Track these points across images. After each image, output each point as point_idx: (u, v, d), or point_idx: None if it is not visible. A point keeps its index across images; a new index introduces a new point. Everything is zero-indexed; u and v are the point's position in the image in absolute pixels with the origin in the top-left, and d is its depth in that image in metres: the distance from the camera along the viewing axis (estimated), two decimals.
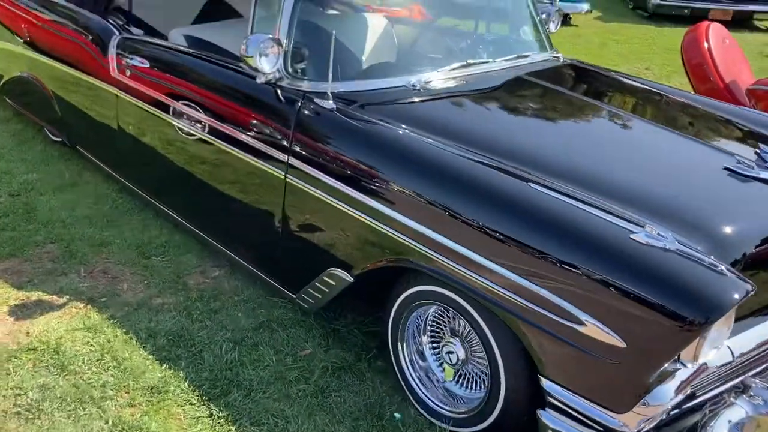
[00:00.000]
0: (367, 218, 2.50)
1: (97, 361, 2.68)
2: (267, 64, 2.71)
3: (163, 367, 2.67)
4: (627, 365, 1.93)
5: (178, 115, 3.22)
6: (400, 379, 2.63)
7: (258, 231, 3.02)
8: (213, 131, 3.06)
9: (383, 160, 2.51)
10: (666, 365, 1.93)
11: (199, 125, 3.12)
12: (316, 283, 2.78)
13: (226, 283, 3.26)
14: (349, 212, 2.56)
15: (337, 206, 2.59)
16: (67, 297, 3.07)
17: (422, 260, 2.33)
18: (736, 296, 1.84)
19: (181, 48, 3.39)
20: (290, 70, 2.83)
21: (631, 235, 1.98)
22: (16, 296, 3.04)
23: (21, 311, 2.95)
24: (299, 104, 2.76)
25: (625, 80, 3.55)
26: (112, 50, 3.62)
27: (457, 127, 2.63)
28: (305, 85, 2.81)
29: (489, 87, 3.02)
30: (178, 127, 3.24)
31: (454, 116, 2.79)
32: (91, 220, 3.70)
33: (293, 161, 2.74)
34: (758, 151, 2.60)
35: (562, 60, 3.51)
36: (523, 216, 2.14)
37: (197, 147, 3.20)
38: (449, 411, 2.48)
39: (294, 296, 2.93)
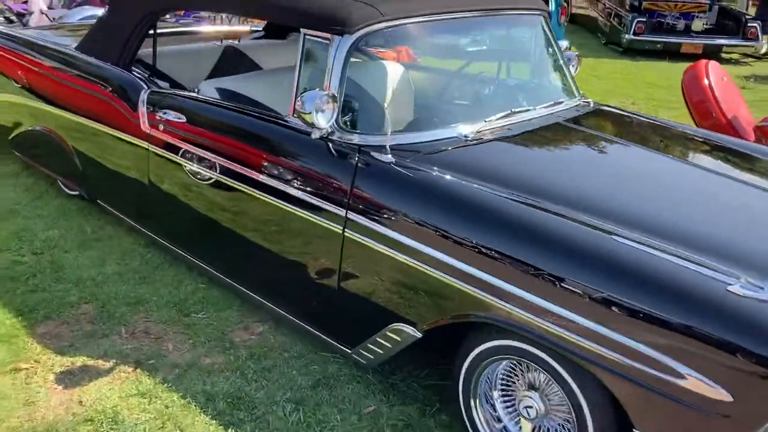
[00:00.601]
0: (438, 273, 2.48)
1: (159, 429, 2.59)
2: (323, 120, 2.70)
3: None
4: (735, 419, 1.93)
5: (220, 169, 3.18)
6: None
7: (310, 285, 2.97)
8: (260, 186, 3.03)
9: (452, 213, 2.50)
10: None
11: (244, 180, 3.08)
12: (378, 339, 2.74)
13: (273, 339, 3.20)
14: (417, 266, 2.54)
15: (404, 260, 2.57)
16: (113, 361, 2.97)
17: (505, 315, 2.31)
18: None
19: (222, 102, 3.36)
20: (341, 123, 2.83)
21: (728, 287, 2.00)
22: (61, 362, 2.94)
23: (69, 378, 2.85)
24: (356, 158, 2.74)
25: (657, 123, 3.62)
26: (142, 105, 3.57)
27: (518, 177, 2.64)
28: (360, 139, 2.81)
29: (536, 135, 3.05)
30: (220, 182, 3.20)
31: (512, 166, 2.80)
32: (122, 276, 3.61)
33: (352, 215, 2.71)
34: None
35: (592, 105, 3.56)
36: (612, 270, 2.14)
37: (241, 201, 3.16)
38: None
39: (350, 351, 2.89)
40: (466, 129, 2.91)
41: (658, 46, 11.46)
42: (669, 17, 11.87)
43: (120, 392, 2.77)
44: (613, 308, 2.09)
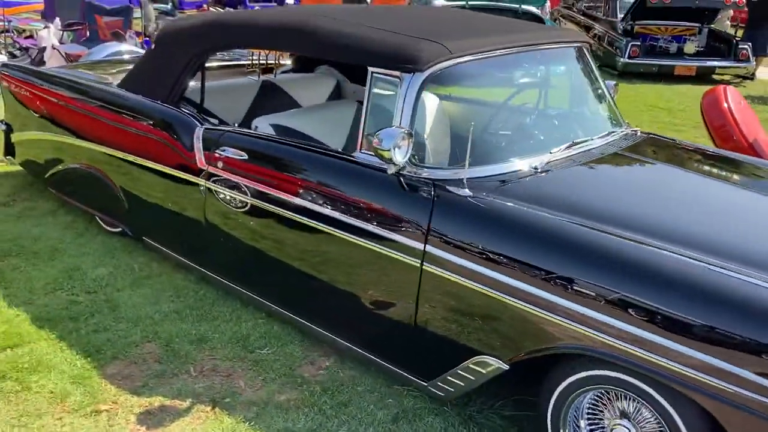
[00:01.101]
0: (526, 304, 2.52)
1: None
2: (400, 156, 2.76)
3: None
4: None
5: (286, 206, 3.21)
6: None
7: (384, 318, 3.00)
8: (329, 221, 3.06)
9: (536, 244, 2.55)
10: None
11: (311, 215, 3.12)
12: (459, 371, 2.77)
13: (341, 373, 3.21)
14: (502, 299, 2.58)
15: (488, 293, 2.61)
16: (189, 400, 2.97)
17: (601, 346, 2.36)
18: None
19: (284, 139, 3.40)
20: (411, 159, 2.87)
21: None
22: (139, 403, 2.93)
23: (150, 419, 2.84)
24: (431, 192, 2.80)
25: (702, 149, 3.73)
26: (198, 142, 3.60)
27: (593, 206, 2.71)
28: (434, 173, 2.87)
29: (601, 165, 3.13)
30: (285, 218, 3.23)
31: (585, 195, 2.87)
32: (179, 314, 3.62)
33: (431, 249, 2.76)
34: None
35: (639, 133, 3.66)
36: (714, 299, 2.20)
37: (308, 237, 3.19)
38: None
39: (426, 384, 2.91)
40: (534, 161, 2.99)
41: (654, 69, 11.68)
42: (661, 41, 12.13)
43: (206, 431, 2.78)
44: (716, 336, 2.15)
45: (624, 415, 2.49)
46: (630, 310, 2.31)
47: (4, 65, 5.06)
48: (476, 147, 3.02)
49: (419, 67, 2.88)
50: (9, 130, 5.02)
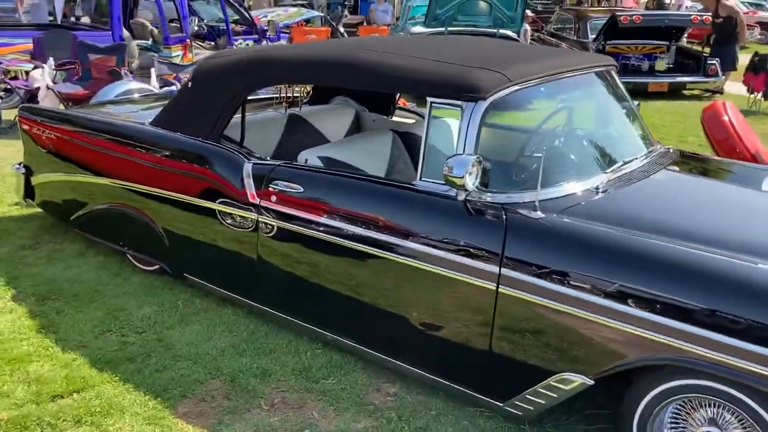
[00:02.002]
0: (608, 320, 2.61)
1: None
2: (470, 182, 2.85)
3: None
4: None
5: (348, 236, 3.26)
6: None
7: (456, 343, 3.05)
8: (392, 248, 3.12)
9: (611, 261, 2.66)
10: None
11: (376, 245, 3.17)
12: (540, 390, 2.84)
13: (410, 398, 3.25)
14: (583, 316, 2.67)
15: (569, 311, 2.69)
16: None
17: (688, 355, 2.46)
18: None
19: (340, 171, 3.46)
20: (479, 184, 2.96)
21: None
22: None
23: None
24: (503, 216, 2.89)
25: (729, 161, 3.90)
26: (248, 177, 3.64)
27: (660, 221, 2.84)
28: (503, 198, 2.96)
29: (653, 182, 3.27)
30: (346, 248, 3.27)
31: (649, 211, 2.98)
32: (236, 349, 3.62)
33: (507, 272, 2.84)
34: None
35: (674, 150, 3.81)
36: None
37: (372, 266, 3.24)
38: None
39: (501, 405, 2.98)
40: (594, 182, 3.11)
41: (629, 86, 11.96)
42: (633, 59, 12.53)
43: None
44: None
45: (713, 422, 2.59)
46: (713, 320, 2.42)
47: (23, 108, 5.02)
48: (537, 171, 3.13)
49: (482, 96, 2.99)
50: (29, 173, 4.97)
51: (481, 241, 2.91)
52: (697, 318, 2.45)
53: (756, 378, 2.36)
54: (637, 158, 3.45)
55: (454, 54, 3.43)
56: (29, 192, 5.04)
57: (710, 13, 12.03)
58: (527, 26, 14.01)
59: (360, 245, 3.23)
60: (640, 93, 12.04)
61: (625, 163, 3.35)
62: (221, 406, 3.18)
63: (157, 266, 4.34)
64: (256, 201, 3.59)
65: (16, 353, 3.51)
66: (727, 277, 2.47)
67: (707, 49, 12.56)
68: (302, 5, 18.57)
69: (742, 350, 2.37)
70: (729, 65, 12.12)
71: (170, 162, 3.99)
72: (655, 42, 12.71)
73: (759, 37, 23.09)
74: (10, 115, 7.81)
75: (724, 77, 12.12)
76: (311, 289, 3.51)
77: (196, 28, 11.81)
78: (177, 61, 9.26)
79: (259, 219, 3.59)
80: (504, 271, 2.85)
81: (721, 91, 12.31)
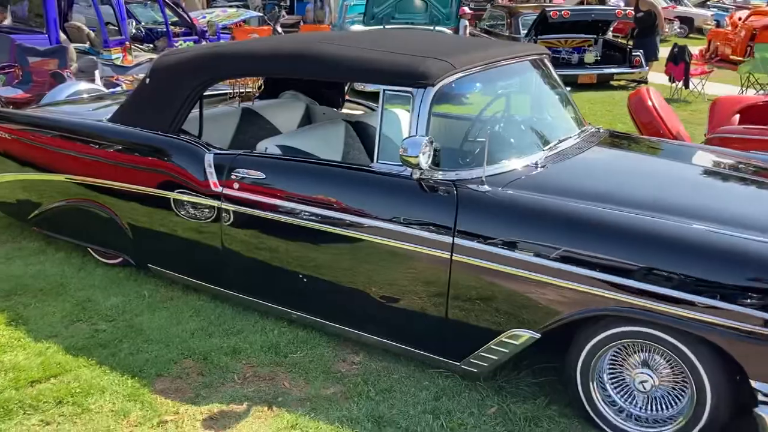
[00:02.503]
0: (554, 279, 2.92)
1: None
2: (424, 161, 3.12)
3: None
4: None
5: (311, 218, 3.48)
6: (592, 413, 3.02)
7: (414, 311, 3.32)
8: (355, 227, 3.37)
9: (553, 225, 2.97)
10: None
11: (339, 224, 3.41)
12: (492, 347, 3.14)
13: (374, 365, 3.50)
14: (531, 276, 2.97)
15: (518, 273, 2.99)
16: (245, 403, 3.18)
17: (625, 305, 2.79)
18: None
19: (301, 158, 3.68)
20: (432, 163, 3.23)
21: None
22: (199, 411, 3.12)
23: (216, 423, 3.04)
24: (455, 191, 3.16)
25: (655, 141, 4.29)
26: (209, 167, 3.81)
27: (597, 190, 3.18)
28: (453, 175, 3.24)
29: (586, 157, 3.61)
30: (310, 229, 3.49)
31: (588, 182, 3.34)
32: (205, 331, 3.80)
33: (459, 241, 3.12)
34: None
35: (603, 130, 4.17)
36: (717, 256, 2.67)
37: (335, 245, 3.47)
38: (649, 431, 2.92)
39: (458, 364, 3.26)
40: (533, 158, 3.42)
41: (560, 79, 12.54)
42: (563, 52, 13.08)
43: (272, 428, 3.01)
44: (729, 287, 2.62)
45: (645, 364, 2.93)
46: (644, 273, 2.75)
47: None
48: (482, 150, 3.42)
49: (430, 82, 3.26)
50: None
51: (435, 215, 3.19)
52: (629, 272, 2.78)
53: (681, 320, 2.70)
54: (570, 137, 3.79)
55: (402, 45, 3.70)
56: None
57: (632, 8, 12.67)
58: (467, 22, 14.43)
59: (323, 226, 3.46)
60: (570, 84, 12.48)
61: (560, 141, 3.68)
62: (196, 381, 3.36)
63: (120, 259, 4.46)
64: (219, 189, 3.78)
65: None
66: (654, 235, 2.81)
67: (632, 42, 13.21)
68: (237, 6, 18.59)
69: (668, 297, 2.71)
70: (651, 56, 12.80)
71: (131, 156, 4.12)
72: (584, 36, 13.29)
73: (678, 30, 24.14)
74: None
75: (647, 68, 12.78)
76: (275, 271, 3.72)
77: (134, 30, 11.75)
78: (118, 63, 9.25)
79: (222, 207, 3.78)
80: (457, 240, 3.13)
81: (645, 81, 12.95)
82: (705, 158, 4.06)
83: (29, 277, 4.39)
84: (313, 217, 3.49)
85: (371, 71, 3.47)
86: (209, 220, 3.85)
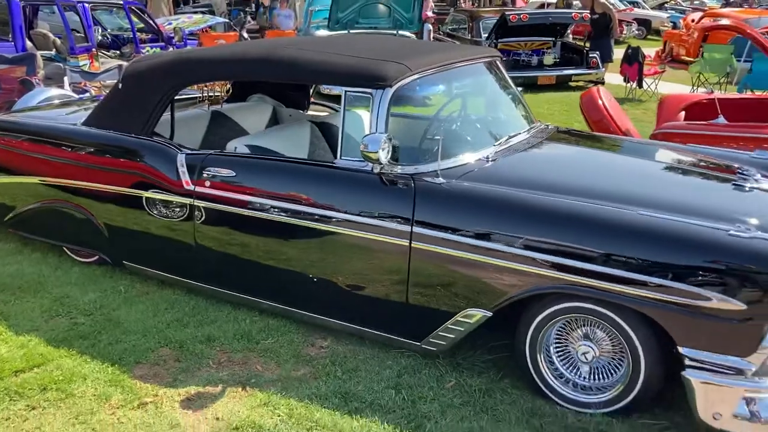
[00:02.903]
0: (502, 261, 3.20)
1: (298, 426, 3.09)
2: (384, 156, 3.38)
3: (356, 422, 3.13)
4: (748, 321, 2.80)
5: (280, 212, 3.71)
6: (539, 383, 3.31)
7: (376, 296, 3.57)
8: (321, 219, 3.61)
9: (505, 212, 3.25)
10: None
11: (305, 217, 3.65)
12: (449, 326, 3.41)
13: (341, 348, 3.75)
14: (484, 260, 3.24)
15: (471, 258, 3.26)
16: (220, 386, 3.40)
17: (567, 284, 3.08)
18: None
19: (269, 157, 3.92)
20: (391, 159, 3.49)
21: (729, 233, 2.89)
22: (177, 393, 3.33)
23: (193, 403, 3.26)
24: (412, 184, 3.43)
25: (602, 135, 4.61)
26: (182, 167, 4.03)
27: (543, 180, 3.45)
28: (410, 169, 3.50)
29: (533, 151, 3.90)
30: (279, 223, 3.73)
31: (532, 173, 3.61)
32: (180, 322, 4.00)
33: (418, 229, 3.38)
34: (739, 170, 3.67)
35: (551, 126, 4.48)
36: (651, 237, 2.97)
37: (303, 237, 3.71)
38: (592, 399, 3.21)
39: (418, 344, 3.52)
40: (485, 152, 3.70)
41: (519, 80, 12.90)
42: (523, 55, 13.48)
43: (246, 406, 3.23)
44: (659, 263, 2.92)
45: (586, 337, 3.22)
46: (585, 253, 3.04)
47: None
48: (444, 145, 3.69)
49: (389, 83, 3.52)
50: None
51: (395, 206, 3.45)
52: (570, 254, 3.07)
53: (617, 295, 2.99)
54: (520, 133, 4.08)
55: (362, 50, 3.96)
56: None
57: (588, 11, 13.11)
58: (430, 26, 14.77)
59: (290, 219, 3.70)
60: (530, 86, 12.98)
61: (510, 137, 3.97)
62: (174, 367, 3.57)
63: (96, 257, 4.65)
64: (191, 188, 3.99)
65: None
66: (593, 219, 3.10)
67: (588, 44, 13.66)
68: (203, 12, 18.69)
69: (606, 275, 3.00)
70: (606, 57, 13.25)
71: (106, 158, 4.32)
72: (543, 39, 13.71)
73: (636, 32, 24.78)
74: None
75: (604, 69, 13.24)
76: (246, 263, 3.95)
77: (100, 37, 11.84)
78: (86, 69, 9.37)
79: (195, 204, 3.99)
80: (415, 229, 3.39)
81: (602, 82, 13.40)
82: (645, 152, 4.38)
83: (7, 276, 4.55)
84: (281, 212, 3.72)
85: (333, 74, 3.73)
86: (182, 217, 4.06)
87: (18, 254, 4.90)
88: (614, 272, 2.99)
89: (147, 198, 4.16)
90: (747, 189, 3.48)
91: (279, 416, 3.16)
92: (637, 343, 3.05)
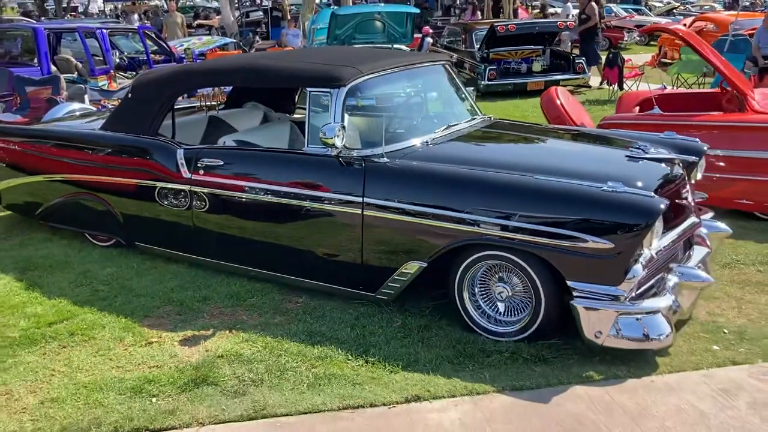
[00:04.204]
0: (438, 221, 3.99)
1: (270, 354, 3.90)
2: (339, 142, 4.19)
3: (317, 349, 3.93)
4: (616, 257, 3.57)
5: (259, 192, 4.54)
6: (466, 319, 4.08)
7: (339, 258, 4.38)
8: (293, 196, 4.43)
9: (433, 183, 4.06)
10: (635, 252, 3.59)
11: (279, 195, 4.47)
12: (395, 277, 4.20)
13: (312, 303, 4.55)
14: (420, 222, 4.04)
15: (410, 220, 4.06)
16: (211, 329, 4.23)
17: (486, 237, 3.87)
18: (663, 206, 3.58)
19: (251, 148, 4.77)
20: (346, 145, 4.31)
21: (602, 188, 3.67)
22: (177, 335, 4.16)
23: (189, 341, 4.08)
24: (362, 164, 4.24)
25: (532, 124, 5.40)
26: (181, 159, 4.88)
27: (465, 158, 4.25)
28: (362, 152, 4.32)
29: (467, 137, 4.71)
30: (259, 201, 4.56)
31: (459, 153, 4.41)
32: (182, 287, 4.84)
33: (368, 200, 4.19)
34: (638, 146, 4.44)
35: (492, 118, 5.28)
36: (544, 197, 3.77)
37: (278, 211, 4.53)
38: (506, 329, 3.98)
39: (373, 294, 4.33)
40: (425, 138, 4.51)
41: (509, 87, 13.74)
42: (513, 63, 14.27)
43: (230, 342, 4.05)
44: (550, 217, 3.70)
45: (501, 280, 4.00)
46: (497, 211, 3.83)
47: None
48: (387, 132, 4.52)
49: (343, 83, 4.35)
50: None
51: (350, 182, 4.26)
52: (486, 212, 3.86)
53: (522, 243, 3.77)
54: (460, 123, 4.89)
55: (324, 58, 4.80)
56: None
57: (572, 20, 13.89)
58: (430, 39, 15.63)
59: (268, 197, 4.52)
60: (520, 92, 13.79)
61: (450, 126, 4.78)
62: (175, 318, 4.41)
63: (113, 241, 5.51)
64: (189, 177, 4.84)
65: (13, 302, 4.65)
66: (500, 184, 3.91)
67: (576, 50, 14.42)
68: (216, 34, 19.77)
69: (514, 227, 3.78)
70: (593, 61, 14.00)
71: (119, 156, 5.19)
72: (532, 47, 14.49)
73: (638, 38, 25.39)
74: None
75: (589, 73, 13.99)
76: (235, 237, 4.78)
77: (117, 60, 12.83)
78: (105, 88, 10.33)
79: (192, 190, 4.84)
80: (366, 199, 4.20)
81: (588, 86, 14.18)
82: (565, 135, 5.15)
83: (40, 257, 5.43)
84: (261, 192, 4.55)
85: (299, 78, 4.59)
86: (182, 202, 4.90)
87: (48, 241, 5.78)
88: (517, 224, 3.78)
89: (154, 187, 5.01)
90: (639, 161, 4.26)
91: (256, 348, 3.98)
92: (537, 281, 3.82)
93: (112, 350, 4.01)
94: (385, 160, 4.23)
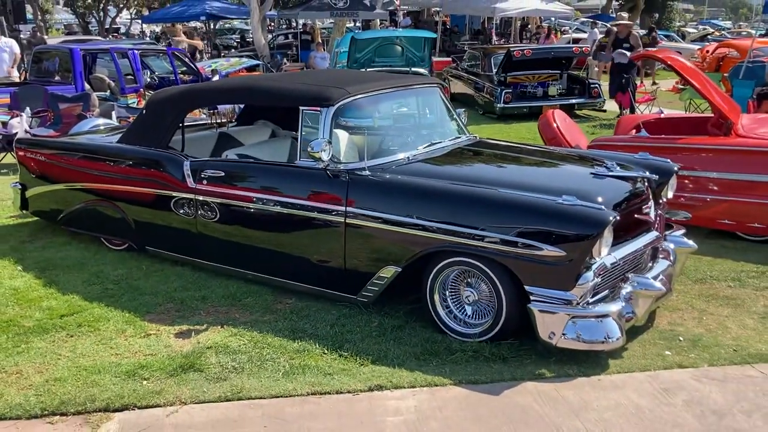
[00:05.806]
0: (411, 230, 4.35)
1: (254, 346, 4.28)
2: (325, 156, 4.59)
3: (297, 343, 4.30)
4: (568, 264, 3.89)
5: (255, 200, 4.96)
6: (436, 320, 4.42)
7: (325, 263, 4.76)
8: (286, 205, 4.84)
9: (411, 195, 4.43)
10: (586, 260, 3.91)
11: (273, 204, 4.88)
12: (374, 281, 4.57)
13: (300, 304, 4.93)
14: (397, 230, 4.41)
15: (388, 228, 4.43)
16: (205, 324, 4.63)
17: (452, 244, 4.22)
18: (611, 218, 3.90)
19: (249, 160, 5.21)
20: (333, 159, 4.71)
21: (558, 201, 4.01)
22: (173, 329, 4.57)
23: (183, 334, 4.49)
24: (347, 176, 4.64)
25: (514, 144, 5.75)
26: (187, 170, 5.33)
27: (444, 174, 4.62)
28: (347, 166, 4.71)
29: (448, 155, 5.08)
30: (255, 209, 4.97)
31: (438, 170, 4.78)
32: (184, 287, 5.26)
33: (351, 209, 4.58)
34: (604, 165, 4.76)
35: (477, 138, 5.64)
36: (505, 209, 4.12)
37: (271, 218, 4.94)
38: (472, 330, 4.31)
39: (354, 297, 4.69)
40: (407, 154, 4.90)
41: (525, 110, 14.06)
42: (530, 87, 14.58)
43: (220, 336, 4.45)
44: (510, 227, 4.04)
45: (469, 285, 4.34)
46: (463, 220, 4.18)
47: (18, 141, 6.67)
48: (371, 148, 4.91)
49: (332, 103, 4.76)
50: (24, 189, 6.57)
51: (336, 193, 4.65)
52: (453, 221, 4.21)
53: (486, 251, 4.11)
54: (443, 141, 5.26)
55: (319, 80, 5.23)
56: (24, 204, 6.63)
57: (588, 45, 14.18)
58: None
59: (264, 206, 4.94)
60: (536, 115, 14.03)
61: (433, 143, 5.15)
62: (174, 314, 4.82)
63: (126, 245, 5.97)
64: (194, 186, 5.28)
65: (31, 297, 5.11)
66: (468, 197, 4.27)
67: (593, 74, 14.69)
68: (248, 56, 20.47)
69: (479, 236, 4.13)
70: (624, 87, 14.16)
71: (133, 166, 5.67)
72: (549, 71, 14.79)
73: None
74: None
75: (604, 98, 14.24)
76: (234, 243, 5.20)
77: (148, 79, 13.50)
78: (133, 106, 10.95)
79: (196, 198, 5.28)
80: (349, 209, 4.59)
81: (604, 110, 14.42)
82: (542, 154, 5.47)
83: (59, 258, 5.91)
84: (257, 201, 4.97)
85: (293, 97, 5.02)
86: (188, 210, 5.34)
87: (67, 244, 6.27)
88: (481, 233, 4.13)
89: (163, 196, 5.47)
90: (603, 178, 4.58)
91: (242, 341, 4.37)
92: (499, 286, 4.16)
93: (114, 340, 4.44)
94: (367, 173, 4.62)
